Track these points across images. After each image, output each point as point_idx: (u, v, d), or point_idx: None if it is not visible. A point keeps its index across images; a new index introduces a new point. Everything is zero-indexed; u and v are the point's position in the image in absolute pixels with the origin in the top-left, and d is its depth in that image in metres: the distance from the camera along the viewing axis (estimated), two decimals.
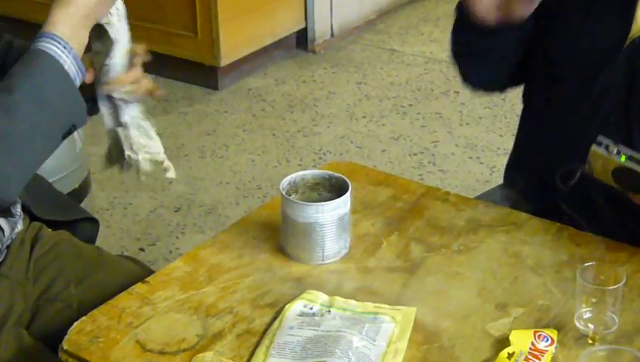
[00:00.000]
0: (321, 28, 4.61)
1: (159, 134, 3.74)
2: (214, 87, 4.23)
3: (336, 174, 1.54)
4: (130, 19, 4.66)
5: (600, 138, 1.44)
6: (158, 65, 4.43)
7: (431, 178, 3.51)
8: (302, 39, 4.59)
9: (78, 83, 1.47)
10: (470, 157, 3.65)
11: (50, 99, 1.43)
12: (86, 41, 1.50)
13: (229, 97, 4.18)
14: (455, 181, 3.47)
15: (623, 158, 1.41)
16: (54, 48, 1.44)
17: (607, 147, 1.42)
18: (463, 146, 3.74)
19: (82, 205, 2.71)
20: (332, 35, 4.68)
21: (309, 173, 1.56)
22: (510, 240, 1.55)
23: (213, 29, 4.08)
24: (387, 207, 1.65)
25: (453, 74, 4.33)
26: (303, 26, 4.56)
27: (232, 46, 4.19)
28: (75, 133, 2.66)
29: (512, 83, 1.89)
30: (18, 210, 1.65)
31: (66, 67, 1.44)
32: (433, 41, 4.72)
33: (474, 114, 3.99)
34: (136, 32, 4.57)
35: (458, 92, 4.18)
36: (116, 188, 3.44)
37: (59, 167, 2.55)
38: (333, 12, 4.66)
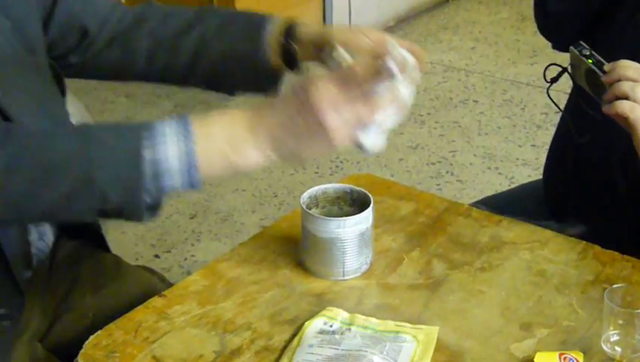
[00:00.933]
0: None
1: None
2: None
3: (357, 188, 1.51)
4: None
5: (581, 42, 1.51)
6: None
7: (449, 188, 3.48)
8: None
9: (170, 184, 1.18)
10: (489, 168, 3.62)
11: (97, 162, 1.18)
12: (249, 156, 1.19)
13: (245, 102, 4.15)
14: (473, 191, 3.44)
15: (589, 61, 1.49)
16: (163, 125, 1.17)
17: (580, 50, 1.51)
18: (481, 156, 3.70)
19: None
20: None
21: (331, 186, 1.53)
22: (534, 258, 1.51)
23: None
24: (409, 222, 1.62)
25: (472, 82, 4.31)
26: None
27: None
28: None
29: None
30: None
31: (150, 151, 1.15)
32: (452, 49, 4.69)
33: (492, 123, 3.96)
34: None
35: (477, 101, 4.15)
36: None
37: None
38: (351, 18, 4.63)
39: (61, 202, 1.19)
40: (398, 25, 4.92)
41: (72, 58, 1.63)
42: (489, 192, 3.39)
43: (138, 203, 1.17)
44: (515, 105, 4.11)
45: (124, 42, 1.61)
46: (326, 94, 1.18)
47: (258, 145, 1.19)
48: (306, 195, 1.50)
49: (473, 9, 5.18)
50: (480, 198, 2.05)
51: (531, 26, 4.85)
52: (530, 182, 2.15)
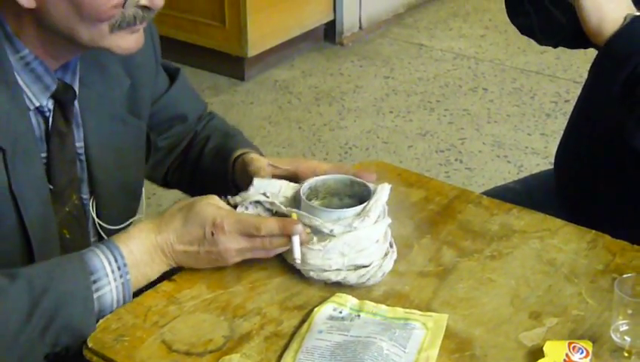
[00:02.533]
0: (349, 21, 4.58)
1: None
2: (241, 77, 4.21)
3: (358, 180, 1.49)
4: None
5: None
6: (185, 54, 4.45)
7: (457, 175, 3.47)
8: (330, 32, 4.56)
9: (111, 310, 1.35)
10: (497, 156, 3.61)
11: (52, 315, 1.29)
12: (161, 270, 1.41)
13: (255, 88, 4.16)
14: (482, 179, 3.44)
15: None
16: (105, 263, 1.35)
17: None
18: (490, 144, 3.70)
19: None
20: (360, 28, 4.65)
21: (331, 178, 1.51)
22: (544, 247, 1.51)
23: (242, 19, 4.06)
24: (419, 209, 1.62)
25: (481, 70, 4.30)
26: (331, 18, 4.53)
27: (260, 37, 4.16)
28: None
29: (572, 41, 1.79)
30: None
31: (99, 293, 1.33)
32: (462, 36, 4.68)
33: (502, 112, 3.95)
34: (165, 20, 4.58)
35: (486, 89, 4.15)
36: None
37: None
38: (362, 5, 4.62)
39: (12, 359, 1.29)
40: (408, 12, 4.90)
41: (160, 141, 1.75)
42: (497, 180, 3.39)
43: (84, 339, 1.31)
44: (525, 94, 4.10)
45: (189, 143, 1.79)
46: (232, 241, 1.38)
47: (168, 263, 1.41)
48: (305, 186, 1.48)
49: None
50: (489, 188, 2.05)
51: None
52: (540, 173, 2.15)
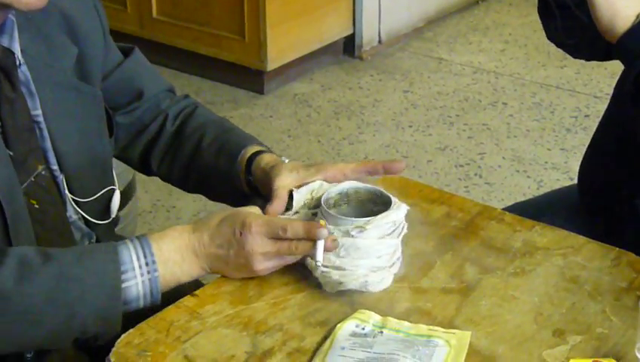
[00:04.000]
0: (368, 34, 4.59)
1: None
2: (260, 91, 4.22)
3: (385, 194, 1.49)
4: (178, 20, 4.68)
5: None
6: (205, 67, 4.46)
7: (477, 190, 3.47)
8: (349, 45, 4.57)
9: (138, 306, 1.37)
10: (517, 171, 3.60)
11: (79, 301, 1.32)
12: (192, 273, 1.41)
13: (274, 102, 4.17)
14: (501, 194, 3.43)
15: None
16: (134, 258, 1.36)
17: None
18: (510, 159, 3.69)
19: (126, 207, 2.70)
20: (379, 41, 4.66)
21: (363, 187, 1.52)
22: (568, 264, 1.50)
23: (261, 33, 4.07)
24: (441, 225, 1.61)
25: (501, 85, 4.29)
26: (350, 32, 4.53)
27: (279, 50, 4.17)
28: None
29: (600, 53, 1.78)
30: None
31: (125, 285, 1.34)
32: (482, 50, 4.68)
33: (522, 126, 3.95)
34: (184, 34, 4.60)
35: (506, 103, 4.14)
36: (160, 190, 3.43)
37: None
38: (381, 19, 4.63)
39: (41, 341, 1.34)
40: (428, 26, 4.90)
41: (119, 117, 1.73)
42: (517, 195, 3.38)
43: (114, 328, 1.35)
44: (545, 109, 4.10)
45: (161, 124, 1.76)
46: (258, 243, 1.39)
47: (200, 265, 1.42)
48: (333, 191, 1.49)
49: (503, 11, 5.16)
50: (510, 205, 2.04)
51: None
52: (561, 188, 2.14)
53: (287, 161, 1.61)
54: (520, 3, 5.27)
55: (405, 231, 1.46)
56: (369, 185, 1.53)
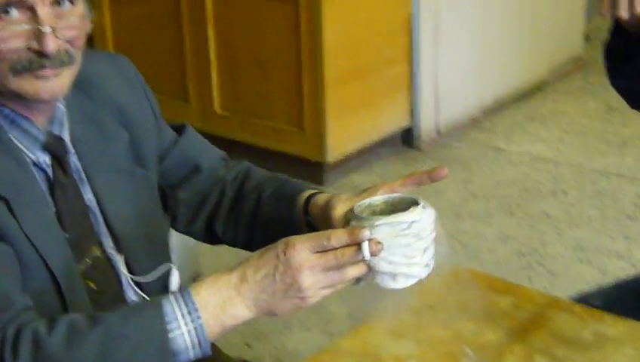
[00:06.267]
0: (426, 125, 4.63)
1: None
2: (320, 182, 4.26)
3: (418, 200, 1.45)
4: (239, 114, 4.76)
5: None
6: (265, 160, 4.52)
7: (540, 280, 3.45)
8: (407, 136, 4.61)
9: (188, 356, 1.35)
10: (580, 260, 3.58)
11: (129, 359, 1.32)
12: (234, 320, 1.35)
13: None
14: (565, 283, 3.40)
15: None
16: (174, 309, 1.34)
17: None
18: (572, 248, 3.67)
19: None
20: (438, 132, 4.69)
21: (396, 196, 1.48)
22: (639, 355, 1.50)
23: (321, 126, 4.13)
24: (509, 316, 1.62)
25: (560, 173, 4.30)
26: (408, 123, 4.58)
27: (339, 142, 4.22)
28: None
29: None
30: None
31: (171, 335, 1.33)
32: (540, 140, 4.69)
33: (583, 215, 3.93)
34: (245, 128, 4.68)
35: (566, 192, 4.13)
36: None
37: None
38: (439, 110, 4.67)
39: None
40: (485, 116, 4.93)
41: (181, 193, 1.77)
42: (581, 284, 3.35)
43: None
44: (606, 197, 4.08)
45: (221, 192, 1.78)
46: (304, 258, 1.33)
47: (244, 303, 1.35)
48: (380, 199, 1.48)
49: (560, 100, 5.18)
50: (574, 294, 2.04)
51: (619, 117, 4.84)
52: (627, 277, 2.13)
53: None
54: (577, 92, 5.30)
55: (432, 234, 1.44)
56: (403, 194, 1.50)
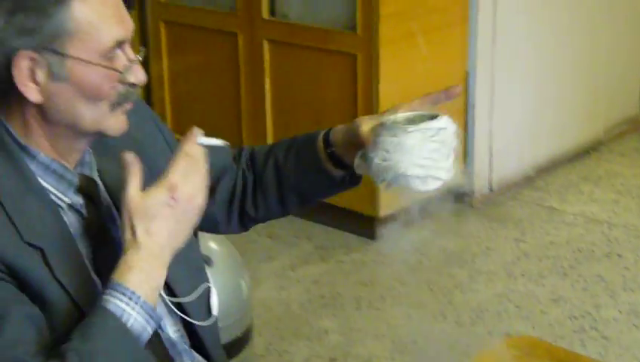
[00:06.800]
0: (479, 182, 4.61)
1: (315, 281, 3.80)
2: (372, 236, 4.26)
3: (435, 112, 1.62)
4: None
5: None
6: (318, 212, 4.53)
7: (593, 344, 3.40)
8: (460, 192, 4.59)
9: (148, 332, 1.46)
10: (635, 325, 3.53)
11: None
12: (164, 276, 1.50)
13: (386, 248, 4.20)
14: (619, 349, 3.36)
15: None
16: (118, 302, 1.43)
17: None
18: (626, 312, 3.62)
19: (242, 352, 2.73)
20: (490, 189, 4.67)
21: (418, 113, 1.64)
22: None
23: None
24: None
25: (615, 236, 4.26)
26: (462, 179, 4.56)
27: (391, 196, 4.18)
28: (242, 281, 2.72)
29: None
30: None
31: (129, 323, 1.43)
32: (594, 201, 4.66)
33: (638, 279, 3.88)
34: None
35: (621, 255, 4.09)
36: (272, 334, 3.46)
37: (224, 315, 2.57)
38: (492, 167, 4.66)
39: None
40: (539, 175, 4.90)
41: (212, 202, 1.79)
42: (635, 351, 3.30)
43: None
44: None
45: (243, 180, 1.88)
46: (190, 188, 1.50)
47: (161, 261, 1.50)
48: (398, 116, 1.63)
49: (615, 161, 5.14)
50: (627, 357, 2.01)
51: None
52: None
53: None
54: (632, 153, 5.26)
55: (454, 142, 1.59)
56: (422, 112, 1.64)
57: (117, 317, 1.41)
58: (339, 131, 1.74)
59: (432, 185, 1.59)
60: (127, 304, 1.42)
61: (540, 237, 4.28)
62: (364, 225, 4.25)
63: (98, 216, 1.59)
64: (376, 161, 1.59)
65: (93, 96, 1.49)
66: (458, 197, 4.59)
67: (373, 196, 4.16)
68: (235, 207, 1.85)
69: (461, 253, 4.14)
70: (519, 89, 4.72)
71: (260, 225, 4.23)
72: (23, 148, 1.52)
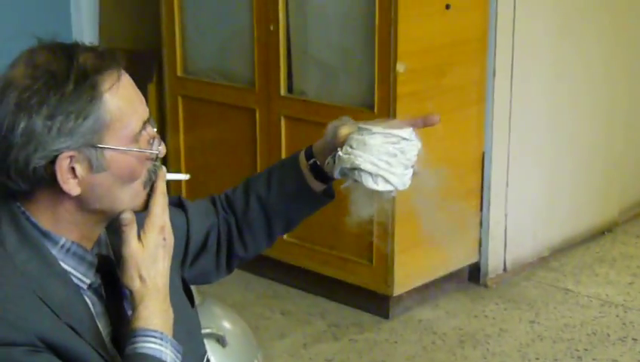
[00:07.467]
0: (494, 262, 4.60)
1: (328, 361, 3.76)
2: (385, 315, 4.23)
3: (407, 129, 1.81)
4: (307, 242, 4.78)
5: None
6: (331, 289, 4.52)
7: None
8: (474, 273, 4.58)
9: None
10: None
11: None
12: (171, 308, 1.60)
13: (399, 327, 4.17)
14: None
15: None
16: (154, 347, 1.53)
17: None
18: None
19: None
20: (505, 270, 4.66)
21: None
22: None
23: (389, 259, 4.13)
24: None
25: (630, 319, 4.22)
26: (476, 259, 4.55)
27: (405, 276, 4.21)
28: (256, 360, 2.73)
29: None
30: None
31: (168, 360, 1.54)
32: (609, 283, 4.63)
33: None
34: (313, 256, 4.67)
35: (636, 339, 4.05)
36: None
37: None
38: (507, 247, 4.65)
39: None
40: (554, 255, 4.89)
41: (204, 258, 1.89)
42: None
43: None
44: None
45: (227, 225, 1.93)
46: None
47: (166, 291, 1.61)
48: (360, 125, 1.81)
49: (630, 242, 5.12)
50: None
51: None
52: None
53: None
54: None
55: (414, 159, 1.79)
56: (398, 125, 1.80)
57: (157, 358, 1.51)
58: (319, 141, 1.85)
59: (382, 186, 1.72)
60: (161, 344, 1.53)
61: (554, 319, 4.25)
62: (377, 303, 4.23)
63: (114, 293, 1.62)
64: (340, 153, 1.75)
65: (129, 179, 1.54)
66: (472, 276, 4.58)
67: (387, 275, 4.14)
68: (222, 253, 1.90)
69: (475, 334, 4.11)
70: (535, 169, 4.73)
71: (273, 302, 4.23)
72: (45, 235, 1.54)
